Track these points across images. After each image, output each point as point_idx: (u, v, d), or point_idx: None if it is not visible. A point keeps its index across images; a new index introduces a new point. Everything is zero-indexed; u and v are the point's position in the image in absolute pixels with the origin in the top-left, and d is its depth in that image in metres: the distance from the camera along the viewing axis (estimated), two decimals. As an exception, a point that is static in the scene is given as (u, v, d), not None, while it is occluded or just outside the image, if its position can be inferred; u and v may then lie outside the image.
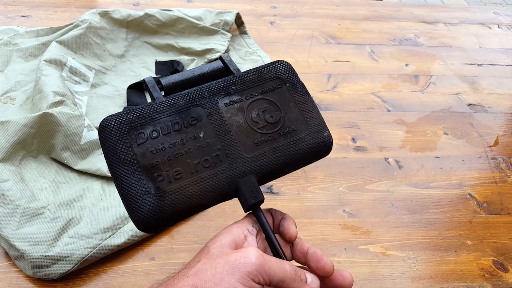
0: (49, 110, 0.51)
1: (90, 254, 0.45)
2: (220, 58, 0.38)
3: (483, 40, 0.91)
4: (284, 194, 0.56)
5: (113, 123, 0.32)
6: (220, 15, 0.76)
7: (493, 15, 0.99)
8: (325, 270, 0.32)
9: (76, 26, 0.67)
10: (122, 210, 0.49)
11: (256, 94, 0.35)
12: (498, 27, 0.95)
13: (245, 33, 0.79)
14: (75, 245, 0.45)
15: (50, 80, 0.56)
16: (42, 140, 0.52)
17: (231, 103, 0.35)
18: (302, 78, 0.78)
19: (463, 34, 0.91)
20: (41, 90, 0.55)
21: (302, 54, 0.80)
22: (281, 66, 0.37)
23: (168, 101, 0.34)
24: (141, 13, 0.71)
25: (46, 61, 0.59)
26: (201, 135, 0.33)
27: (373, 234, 0.53)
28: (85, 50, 0.66)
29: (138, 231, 0.48)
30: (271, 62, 0.38)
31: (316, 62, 0.79)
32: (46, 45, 0.66)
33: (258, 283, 0.28)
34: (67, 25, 0.69)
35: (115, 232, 0.47)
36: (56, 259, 0.44)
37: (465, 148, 0.66)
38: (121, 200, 0.32)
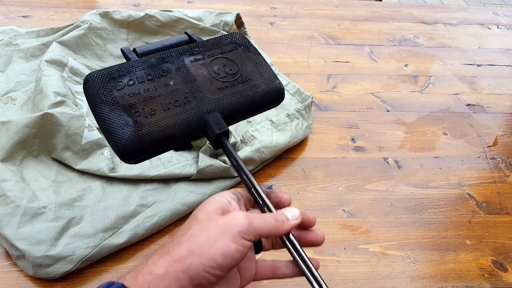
0: (50, 110, 0.52)
1: (91, 253, 0.45)
2: (185, 32, 0.45)
3: (482, 40, 0.91)
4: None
5: (95, 75, 0.37)
6: (220, 16, 0.76)
7: (492, 16, 0.99)
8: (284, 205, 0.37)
9: (77, 26, 0.68)
10: (122, 210, 0.49)
11: (216, 54, 0.42)
12: (497, 27, 0.96)
13: (245, 33, 0.80)
14: (76, 245, 0.45)
15: (51, 80, 0.56)
16: (43, 140, 0.53)
17: (196, 60, 0.41)
18: (302, 78, 0.78)
19: (462, 35, 0.92)
20: (42, 90, 0.55)
21: (302, 55, 0.80)
22: (236, 34, 0.45)
23: (142, 59, 0.40)
24: (142, 13, 0.71)
25: (47, 61, 0.59)
26: (171, 83, 0.39)
27: (372, 234, 0.53)
28: (86, 50, 0.66)
29: (139, 231, 0.48)
30: (229, 34, 0.45)
31: (315, 63, 0.79)
32: (47, 45, 0.66)
33: (249, 240, 0.31)
34: (67, 26, 0.69)
35: (116, 231, 0.47)
36: (57, 259, 0.44)
37: (464, 148, 0.66)
38: (105, 138, 0.36)
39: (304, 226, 0.38)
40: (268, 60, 0.74)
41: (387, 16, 0.94)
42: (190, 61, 0.41)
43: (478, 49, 0.88)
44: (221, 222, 0.31)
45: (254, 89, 0.41)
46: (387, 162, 0.63)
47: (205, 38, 0.74)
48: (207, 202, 0.34)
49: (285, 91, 0.69)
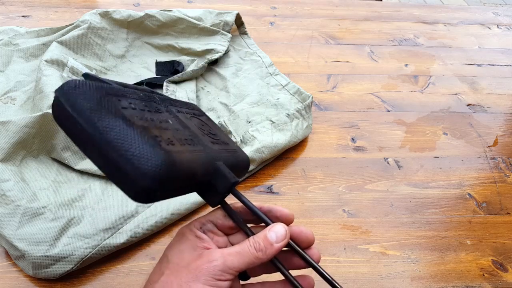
0: (50, 110, 0.52)
1: (91, 253, 0.45)
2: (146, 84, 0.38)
3: (482, 40, 0.91)
4: (284, 194, 0.57)
5: (87, 83, 0.27)
6: (220, 16, 0.76)
7: (492, 16, 0.99)
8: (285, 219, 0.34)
9: (77, 26, 0.67)
10: (122, 210, 0.49)
11: (191, 113, 0.38)
12: (498, 27, 0.96)
13: (245, 33, 0.80)
14: (76, 245, 0.45)
15: (50, 80, 0.56)
16: (42, 140, 0.53)
17: (179, 111, 0.36)
18: (302, 78, 0.78)
19: (463, 35, 0.92)
20: (41, 90, 0.55)
21: (302, 55, 0.80)
22: (196, 106, 0.41)
23: (128, 89, 0.31)
24: (142, 13, 0.71)
25: (47, 61, 0.59)
26: (170, 122, 0.31)
27: (372, 234, 0.53)
28: (85, 50, 0.66)
29: (139, 231, 0.48)
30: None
31: (315, 63, 0.79)
32: (46, 45, 0.66)
33: (226, 280, 0.29)
34: (67, 26, 0.69)
35: (116, 231, 0.47)
36: (57, 259, 0.44)
37: (464, 148, 0.66)
38: (115, 162, 0.25)
39: (303, 246, 0.35)
40: (268, 60, 0.74)
41: (387, 16, 0.94)
42: (176, 109, 0.35)
43: (479, 49, 0.88)
44: (193, 267, 0.30)
45: (235, 153, 0.37)
46: (387, 162, 0.63)
47: (202, 41, 0.75)
48: (177, 241, 0.32)
49: (285, 91, 0.69)
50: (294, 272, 0.35)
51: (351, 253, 0.51)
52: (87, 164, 0.52)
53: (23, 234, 0.44)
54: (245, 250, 0.31)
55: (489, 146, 0.67)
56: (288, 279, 0.33)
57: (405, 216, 0.56)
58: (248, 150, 0.56)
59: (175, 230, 0.51)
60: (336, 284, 0.33)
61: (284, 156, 0.61)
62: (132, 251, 0.49)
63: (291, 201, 0.56)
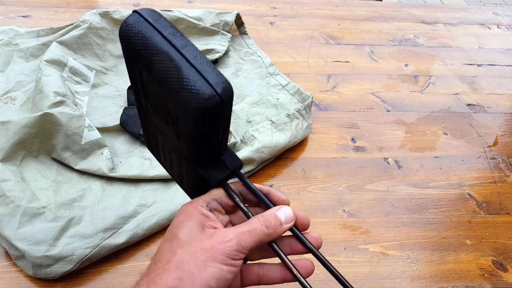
0: (50, 110, 0.52)
1: (91, 253, 0.45)
2: None
3: (482, 40, 0.91)
4: (284, 194, 0.56)
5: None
6: (220, 16, 0.76)
7: (492, 16, 0.99)
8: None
9: (77, 26, 0.67)
10: (122, 210, 0.49)
11: (143, 91, 0.32)
12: (498, 27, 0.96)
13: (245, 33, 0.80)
14: (76, 245, 0.45)
15: (50, 80, 0.56)
16: (42, 140, 0.53)
17: (148, 108, 0.33)
18: (301, 78, 0.78)
19: (463, 35, 0.92)
20: (41, 90, 0.55)
21: (302, 55, 0.80)
22: (123, 42, 0.31)
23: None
24: (141, 13, 0.71)
25: (47, 61, 0.59)
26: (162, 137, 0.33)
27: (372, 234, 0.53)
28: (85, 50, 0.66)
29: (139, 231, 0.48)
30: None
31: (315, 63, 0.79)
32: (46, 45, 0.66)
33: (239, 259, 0.30)
34: (67, 26, 0.69)
35: (116, 231, 0.47)
36: (57, 259, 0.44)
37: (464, 148, 0.66)
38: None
39: (298, 229, 0.35)
40: (268, 60, 0.74)
41: (387, 16, 0.94)
42: (150, 112, 0.33)
43: (478, 49, 0.88)
44: (207, 246, 0.29)
45: (185, 129, 0.30)
46: (387, 162, 0.63)
47: (202, 41, 0.75)
48: (184, 219, 0.31)
49: (285, 91, 0.69)
50: (293, 257, 0.34)
51: (351, 253, 0.51)
52: (87, 164, 0.52)
53: (23, 234, 0.44)
54: (256, 228, 0.31)
55: (489, 146, 0.67)
56: (285, 263, 0.33)
57: (405, 216, 0.56)
58: (248, 150, 0.56)
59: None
60: (334, 270, 0.33)
61: (284, 156, 0.61)
62: (132, 251, 0.49)
63: (291, 201, 0.55)
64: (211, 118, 0.29)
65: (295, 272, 0.32)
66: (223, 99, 0.27)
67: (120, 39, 0.29)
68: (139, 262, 0.48)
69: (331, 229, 0.53)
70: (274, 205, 0.34)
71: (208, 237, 0.30)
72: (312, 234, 0.35)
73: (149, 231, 0.49)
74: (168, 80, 0.28)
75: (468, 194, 0.60)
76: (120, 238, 0.47)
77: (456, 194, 0.59)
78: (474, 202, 0.59)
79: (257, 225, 0.31)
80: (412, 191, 0.59)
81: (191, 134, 0.29)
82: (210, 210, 0.33)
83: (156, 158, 0.39)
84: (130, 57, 0.30)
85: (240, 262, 0.30)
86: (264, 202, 0.34)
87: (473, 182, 0.61)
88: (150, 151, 0.39)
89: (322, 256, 0.33)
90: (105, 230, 0.47)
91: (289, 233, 0.34)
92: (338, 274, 0.33)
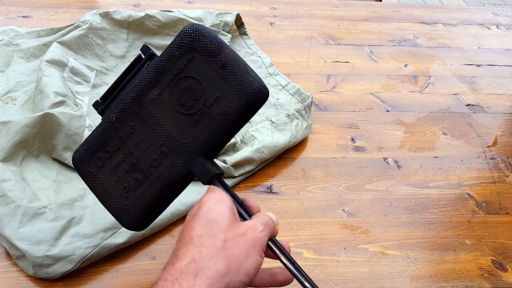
0: (50, 111, 0.52)
1: (91, 253, 0.45)
2: (142, 49, 0.39)
3: (482, 40, 0.91)
4: (284, 194, 0.57)
5: (77, 157, 0.39)
6: (220, 16, 0.76)
7: (492, 16, 0.99)
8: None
9: (77, 26, 0.68)
10: (122, 210, 0.49)
11: (174, 77, 0.36)
12: (497, 27, 0.96)
13: (245, 34, 0.80)
14: (76, 245, 0.45)
15: (51, 80, 0.56)
16: (43, 140, 0.53)
17: (155, 98, 0.36)
18: (301, 78, 0.78)
19: (462, 35, 0.92)
20: (42, 90, 0.55)
21: (302, 55, 0.80)
22: (187, 37, 0.36)
23: (107, 120, 0.38)
24: (142, 14, 0.71)
25: (47, 61, 0.59)
26: (143, 139, 0.36)
27: (372, 234, 0.54)
28: (86, 50, 0.66)
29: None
30: (179, 34, 0.36)
31: (315, 63, 0.79)
32: (47, 45, 0.66)
33: (264, 252, 0.31)
34: (68, 26, 0.69)
35: (116, 231, 0.48)
36: (57, 259, 0.44)
37: (463, 148, 0.66)
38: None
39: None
40: (268, 60, 0.74)
41: (387, 16, 0.95)
42: (151, 101, 0.36)
43: (478, 49, 0.89)
44: (248, 236, 0.30)
45: (227, 108, 0.34)
46: (387, 162, 0.63)
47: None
48: (216, 204, 0.31)
49: (285, 91, 0.69)
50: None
51: (351, 252, 0.51)
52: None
53: (24, 234, 0.44)
54: (269, 224, 0.32)
55: (488, 146, 0.67)
56: (287, 258, 0.33)
57: (405, 216, 0.56)
58: (247, 150, 0.56)
59: (176, 230, 0.51)
60: (290, 265, 0.33)
61: (284, 156, 0.61)
62: (133, 251, 0.49)
63: (291, 201, 0.56)
64: (258, 104, 0.35)
65: (296, 273, 0.33)
66: (267, 97, 0.35)
67: (189, 33, 0.35)
68: (139, 261, 0.48)
69: (331, 229, 0.53)
70: (251, 210, 0.35)
71: (243, 226, 0.31)
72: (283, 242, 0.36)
73: (149, 231, 0.49)
74: (234, 64, 0.34)
75: (468, 194, 0.60)
76: (120, 237, 0.47)
77: (455, 194, 0.60)
78: (474, 202, 0.59)
79: (268, 219, 0.32)
80: (411, 191, 0.59)
81: (232, 114, 0.34)
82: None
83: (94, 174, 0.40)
84: (188, 45, 0.35)
85: (264, 255, 0.31)
86: (243, 207, 0.35)
87: (473, 182, 0.62)
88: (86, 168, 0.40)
89: (290, 264, 0.34)
90: (106, 229, 0.47)
91: None
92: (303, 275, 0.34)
